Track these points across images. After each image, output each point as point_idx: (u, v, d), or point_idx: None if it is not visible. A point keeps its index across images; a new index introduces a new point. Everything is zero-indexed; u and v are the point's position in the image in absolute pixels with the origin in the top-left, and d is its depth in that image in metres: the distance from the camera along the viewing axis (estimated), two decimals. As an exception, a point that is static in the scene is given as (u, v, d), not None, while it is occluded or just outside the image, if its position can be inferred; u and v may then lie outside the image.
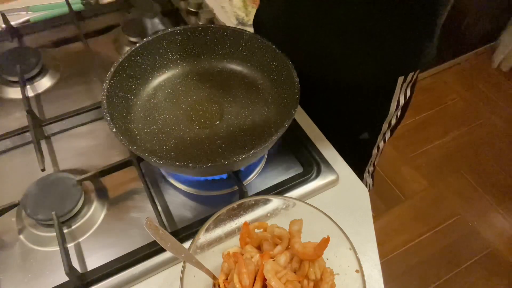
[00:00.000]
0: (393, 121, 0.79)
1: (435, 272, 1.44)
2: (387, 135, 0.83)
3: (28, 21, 0.85)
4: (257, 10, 0.79)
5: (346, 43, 0.64)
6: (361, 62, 0.66)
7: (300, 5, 0.63)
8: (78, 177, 0.57)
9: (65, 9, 0.86)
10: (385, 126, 0.79)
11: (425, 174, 1.72)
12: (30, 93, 0.73)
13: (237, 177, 0.58)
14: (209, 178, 0.61)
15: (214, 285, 0.47)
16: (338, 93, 0.74)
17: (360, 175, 0.89)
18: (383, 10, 0.58)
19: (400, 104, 0.75)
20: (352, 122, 0.79)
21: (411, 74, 0.70)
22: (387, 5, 0.57)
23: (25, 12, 0.86)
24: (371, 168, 0.91)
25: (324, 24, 0.63)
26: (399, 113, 0.78)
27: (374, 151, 0.86)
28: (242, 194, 0.57)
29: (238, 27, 0.68)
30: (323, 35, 0.65)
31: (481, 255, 1.48)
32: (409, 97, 0.75)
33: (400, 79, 0.69)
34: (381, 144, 0.85)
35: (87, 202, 0.58)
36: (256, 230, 0.49)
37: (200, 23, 0.84)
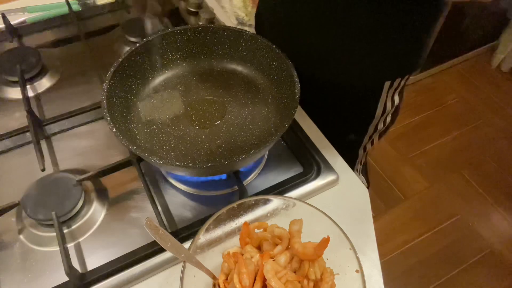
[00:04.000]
0: (381, 126, 0.80)
1: (435, 272, 1.44)
2: (375, 138, 0.84)
3: (24, 21, 0.85)
4: (257, 9, 0.80)
5: (339, 43, 0.65)
6: (351, 63, 0.67)
7: (298, 5, 0.64)
8: (78, 177, 0.57)
9: (62, 10, 0.86)
10: (371, 129, 0.80)
11: (425, 174, 1.72)
12: (30, 93, 0.73)
13: (237, 177, 0.58)
14: (209, 178, 0.62)
15: (214, 285, 0.47)
16: (329, 94, 0.75)
17: None
18: (377, 19, 0.59)
19: (387, 110, 0.76)
20: (340, 122, 0.80)
21: (398, 80, 0.70)
22: (381, 16, 0.58)
23: (21, 13, 0.86)
24: (359, 167, 0.92)
25: (320, 24, 0.63)
26: (388, 119, 0.79)
27: (361, 151, 0.87)
28: (242, 194, 0.57)
29: (238, 27, 0.68)
30: (319, 35, 0.65)
31: (481, 255, 1.48)
32: (398, 104, 0.76)
33: (387, 84, 0.70)
34: (368, 145, 0.86)
35: (87, 202, 0.58)
36: (256, 230, 0.49)
37: (200, 23, 0.84)
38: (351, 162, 0.88)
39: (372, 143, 0.86)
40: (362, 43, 0.63)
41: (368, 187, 0.95)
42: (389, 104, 0.75)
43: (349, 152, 0.86)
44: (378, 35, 0.62)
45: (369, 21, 0.60)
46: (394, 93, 0.73)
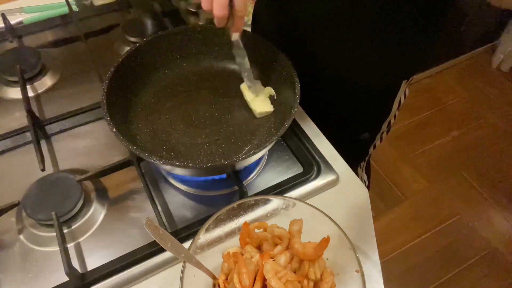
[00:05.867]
0: (392, 121, 0.80)
1: (435, 272, 1.44)
2: (384, 134, 0.84)
3: (21, 22, 0.85)
4: (254, 10, 0.79)
5: (358, 46, 0.64)
6: (371, 64, 0.66)
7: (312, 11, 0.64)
8: (78, 177, 0.57)
9: (60, 10, 0.86)
10: (384, 125, 0.80)
11: (425, 174, 1.72)
12: (30, 93, 0.73)
13: (237, 177, 0.58)
14: (209, 178, 0.61)
15: (214, 285, 0.47)
16: (342, 94, 0.75)
17: (354, 171, 0.90)
18: (395, 16, 0.59)
19: (401, 104, 0.76)
20: (354, 122, 0.80)
21: None
22: (400, 13, 0.58)
23: (18, 13, 0.86)
24: (363, 164, 0.92)
25: (339, 32, 0.63)
26: (397, 113, 0.79)
27: (371, 149, 0.87)
28: (242, 194, 0.57)
29: (238, 27, 0.67)
30: (337, 40, 0.65)
31: (481, 255, 1.48)
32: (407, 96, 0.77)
33: (405, 80, 0.70)
34: (378, 142, 0.86)
35: (87, 202, 0.58)
36: (256, 230, 0.49)
37: (200, 23, 0.84)
38: (357, 161, 0.88)
39: (381, 140, 0.86)
40: (385, 44, 0.63)
41: (368, 186, 0.95)
42: (402, 98, 0.75)
43: (359, 152, 0.86)
44: (397, 33, 0.61)
45: (387, 19, 0.59)
46: (407, 86, 0.73)
